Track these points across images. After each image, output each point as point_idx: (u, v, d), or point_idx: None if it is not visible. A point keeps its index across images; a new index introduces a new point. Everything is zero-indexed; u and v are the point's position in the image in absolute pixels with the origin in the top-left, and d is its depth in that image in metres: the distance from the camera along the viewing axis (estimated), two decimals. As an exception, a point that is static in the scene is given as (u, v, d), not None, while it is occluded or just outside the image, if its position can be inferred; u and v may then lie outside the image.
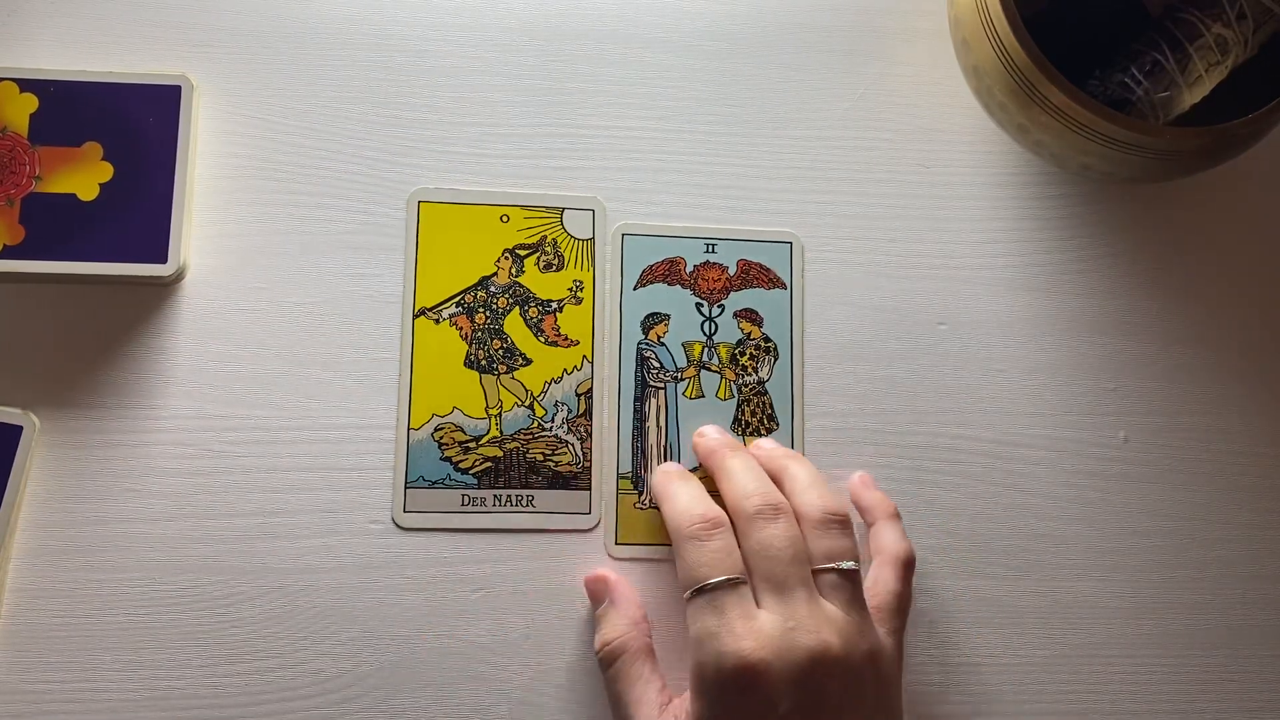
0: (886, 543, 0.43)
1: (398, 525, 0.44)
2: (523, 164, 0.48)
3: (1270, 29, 0.46)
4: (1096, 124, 0.42)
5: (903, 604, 0.42)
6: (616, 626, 0.42)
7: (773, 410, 0.47)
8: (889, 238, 0.49)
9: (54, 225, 0.43)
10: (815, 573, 0.40)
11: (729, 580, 0.38)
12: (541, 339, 0.47)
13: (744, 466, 0.42)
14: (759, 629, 0.37)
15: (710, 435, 0.45)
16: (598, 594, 0.43)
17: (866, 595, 0.41)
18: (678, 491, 0.42)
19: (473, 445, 0.45)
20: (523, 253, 0.47)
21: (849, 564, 0.40)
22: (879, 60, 0.51)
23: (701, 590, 0.39)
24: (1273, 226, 0.52)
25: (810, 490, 0.42)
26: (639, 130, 0.49)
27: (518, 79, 0.49)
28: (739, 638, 0.37)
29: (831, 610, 0.39)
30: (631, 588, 0.43)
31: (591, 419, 0.46)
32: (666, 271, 0.48)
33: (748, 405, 0.47)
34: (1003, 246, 0.50)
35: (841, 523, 0.41)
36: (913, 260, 0.49)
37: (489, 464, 0.45)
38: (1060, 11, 0.48)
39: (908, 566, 0.42)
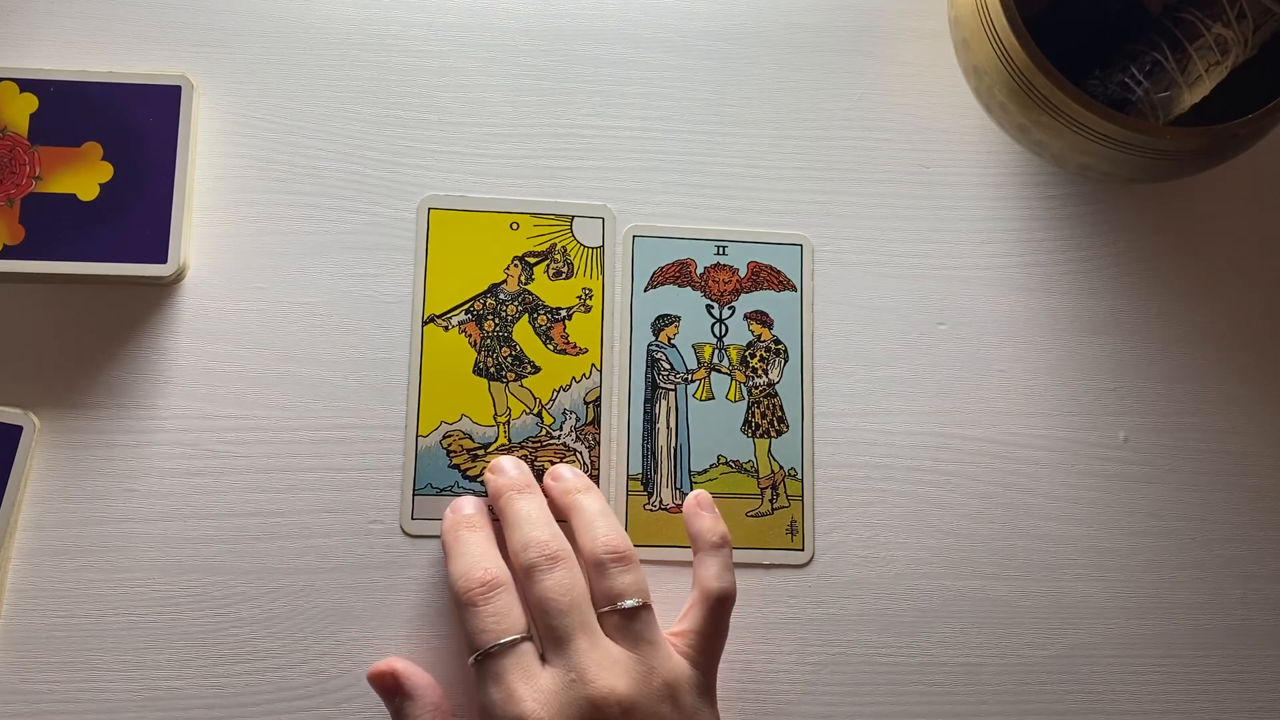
0: (702, 577, 0.42)
1: (405, 532, 0.44)
2: (524, 164, 0.48)
3: (1270, 29, 0.46)
4: (1096, 124, 0.42)
5: (710, 641, 0.41)
6: (420, 719, 0.39)
7: (783, 412, 0.47)
8: (888, 238, 0.49)
9: (54, 225, 0.43)
10: (601, 615, 0.39)
11: (508, 643, 0.38)
12: (550, 347, 0.46)
13: (526, 513, 0.41)
14: (540, 688, 0.37)
15: (502, 473, 0.43)
16: (389, 688, 0.40)
17: (677, 627, 0.41)
18: (460, 549, 0.40)
19: (481, 453, 0.45)
20: (532, 260, 0.47)
21: (630, 602, 0.39)
22: (879, 60, 0.51)
23: (481, 657, 0.38)
24: (1273, 226, 0.52)
25: (593, 527, 0.41)
26: (638, 130, 0.49)
27: (518, 79, 0.49)
28: (519, 701, 0.36)
29: (616, 652, 0.38)
30: (422, 672, 0.40)
31: (600, 427, 0.46)
32: (677, 273, 0.48)
33: (758, 407, 0.47)
34: (1003, 246, 0.50)
35: (620, 559, 0.40)
36: (912, 260, 0.49)
37: None
38: (1060, 11, 0.48)
39: (720, 603, 0.41)
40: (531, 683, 0.37)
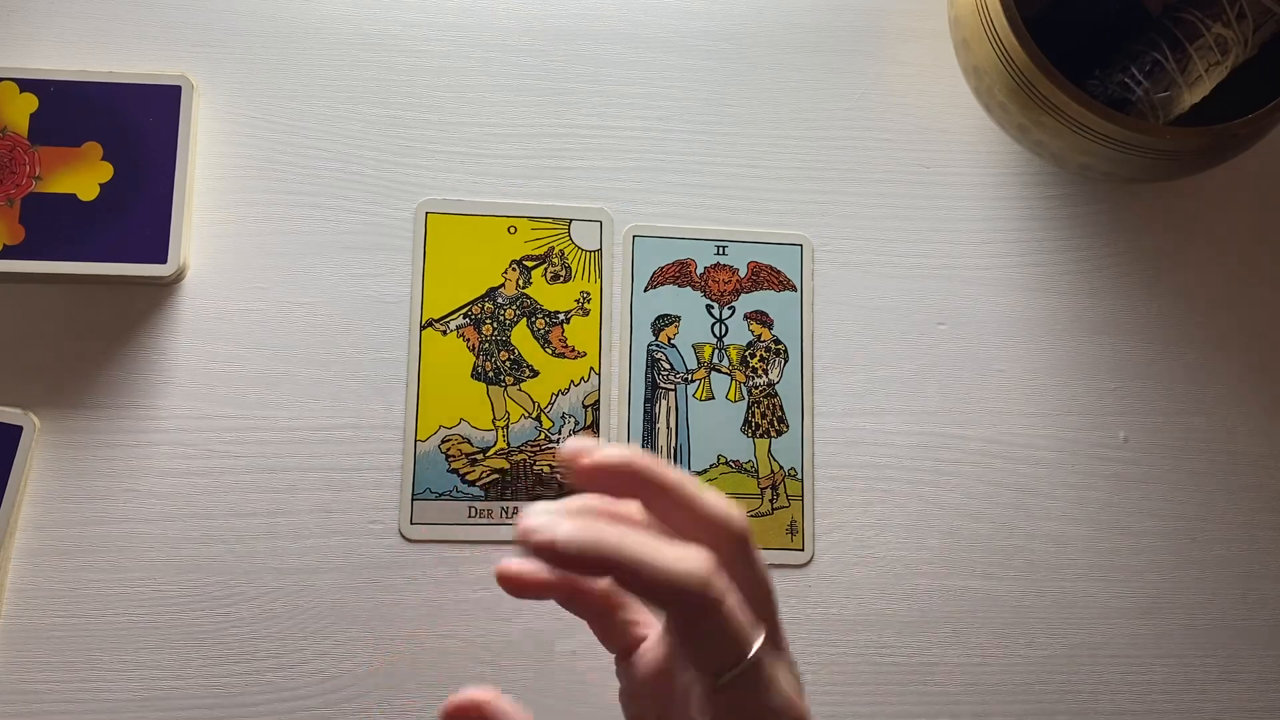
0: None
1: (405, 537, 0.44)
2: (523, 164, 0.48)
3: (1270, 29, 0.46)
4: (1096, 124, 0.42)
5: None
6: None
7: (783, 412, 0.47)
8: (888, 238, 0.49)
9: (54, 225, 0.43)
10: None
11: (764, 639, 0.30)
12: (549, 351, 0.46)
13: (687, 479, 0.30)
14: (791, 678, 0.31)
15: (609, 455, 0.30)
16: None
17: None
18: (649, 546, 0.28)
19: (480, 457, 0.45)
20: (530, 264, 0.47)
21: None
22: (879, 60, 0.51)
23: (752, 663, 0.29)
24: (1273, 226, 0.52)
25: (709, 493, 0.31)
26: (638, 130, 0.49)
27: (518, 79, 0.49)
28: (794, 702, 0.30)
29: None
30: (512, 705, 0.31)
31: (599, 431, 0.46)
32: (677, 273, 0.48)
33: (758, 407, 0.47)
34: (1003, 246, 0.50)
35: None
36: (912, 260, 0.49)
37: (496, 476, 0.45)
38: (1060, 11, 0.48)
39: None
40: (787, 674, 0.31)
